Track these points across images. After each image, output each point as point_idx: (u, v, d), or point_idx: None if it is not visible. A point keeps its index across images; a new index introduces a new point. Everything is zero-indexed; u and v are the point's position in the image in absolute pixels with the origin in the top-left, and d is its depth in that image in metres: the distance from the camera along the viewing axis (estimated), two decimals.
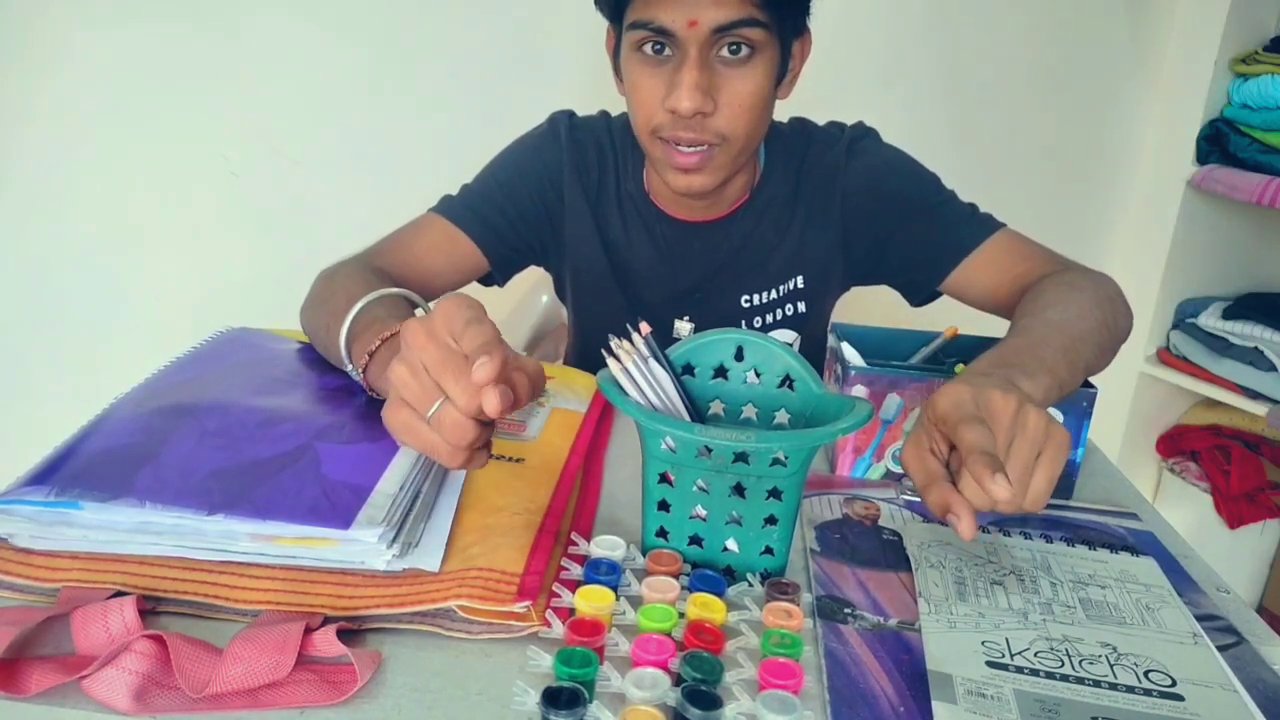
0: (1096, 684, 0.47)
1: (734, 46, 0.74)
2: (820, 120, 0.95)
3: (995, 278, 0.84)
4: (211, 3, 1.42)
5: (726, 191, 0.89)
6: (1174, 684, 0.48)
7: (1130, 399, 1.79)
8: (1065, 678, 0.48)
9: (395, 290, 0.69)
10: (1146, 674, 0.49)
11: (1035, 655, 0.49)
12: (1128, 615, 0.54)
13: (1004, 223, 0.87)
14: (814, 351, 0.83)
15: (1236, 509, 1.72)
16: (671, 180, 0.82)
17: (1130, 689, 0.47)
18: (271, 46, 1.45)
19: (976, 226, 0.86)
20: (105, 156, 1.47)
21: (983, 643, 0.50)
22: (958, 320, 0.82)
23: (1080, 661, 0.49)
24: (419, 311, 0.72)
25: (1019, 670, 0.48)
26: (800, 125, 0.94)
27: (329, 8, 1.45)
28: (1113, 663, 0.49)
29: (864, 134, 0.93)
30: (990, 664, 0.48)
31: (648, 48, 0.76)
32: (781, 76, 0.81)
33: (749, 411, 0.61)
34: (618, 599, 0.50)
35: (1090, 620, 0.53)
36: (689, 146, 0.78)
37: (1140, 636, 0.52)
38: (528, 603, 0.48)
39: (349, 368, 0.64)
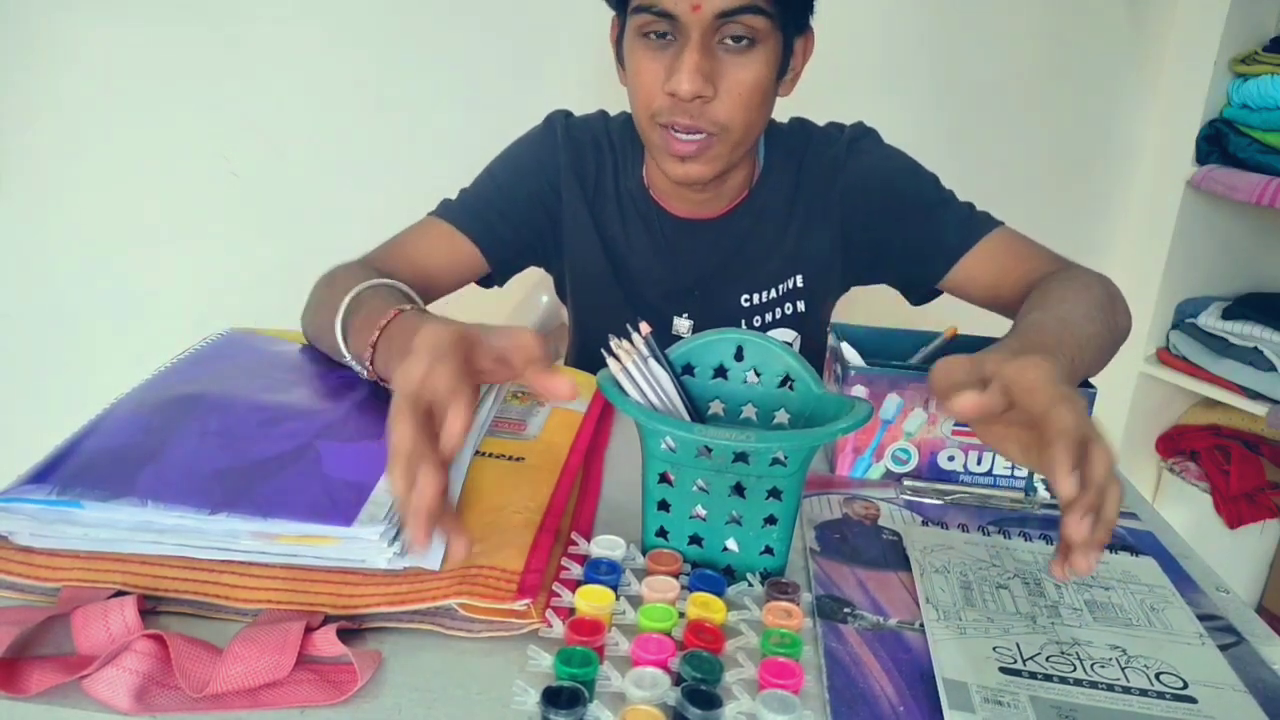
0: (1110, 688, 0.47)
1: (736, 35, 0.75)
2: (820, 120, 0.95)
3: (995, 275, 0.84)
4: (212, 3, 1.42)
5: (725, 187, 0.89)
6: (1185, 686, 0.48)
7: (1130, 399, 1.79)
8: (1079, 682, 0.48)
9: (389, 282, 0.70)
10: (1158, 676, 0.49)
11: (1047, 660, 0.49)
12: (1134, 616, 0.54)
13: (1002, 221, 0.87)
14: (813, 352, 0.83)
15: (1236, 509, 1.72)
16: (669, 168, 0.82)
17: (1144, 692, 0.47)
18: (272, 47, 1.45)
19: (975, 225, 0.86)
20: (106, 156, 1.47)
21: (994, 649, 0.50)
22: (958, 320, 0.82)
23: (1092, 665, 0.49)
24: (409, 305, 0.72)
25: (1032, 676, 0.48)
26: (800, 125, 0.94)
27: (329, 8, 1.45)
28: (1123, 665, 0.49)
29: (864, 133, 0.93)
30: (1004, 670, 0.48)
31: (651, 33, 0.76)
32: (783, 73, 0.81)
33: (749, 411, 0.61)
34: (618, 598, 0.50)
35: (1097, 622, 0.53)
36: (686, 134, 0.78)
37: (1148, 638, 0.52)
38: (528, 600, 0.48)
39: (348, 359, 0.65)
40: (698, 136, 0.78)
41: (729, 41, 0.75)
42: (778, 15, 0.75)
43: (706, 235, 0.92)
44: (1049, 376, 0.48)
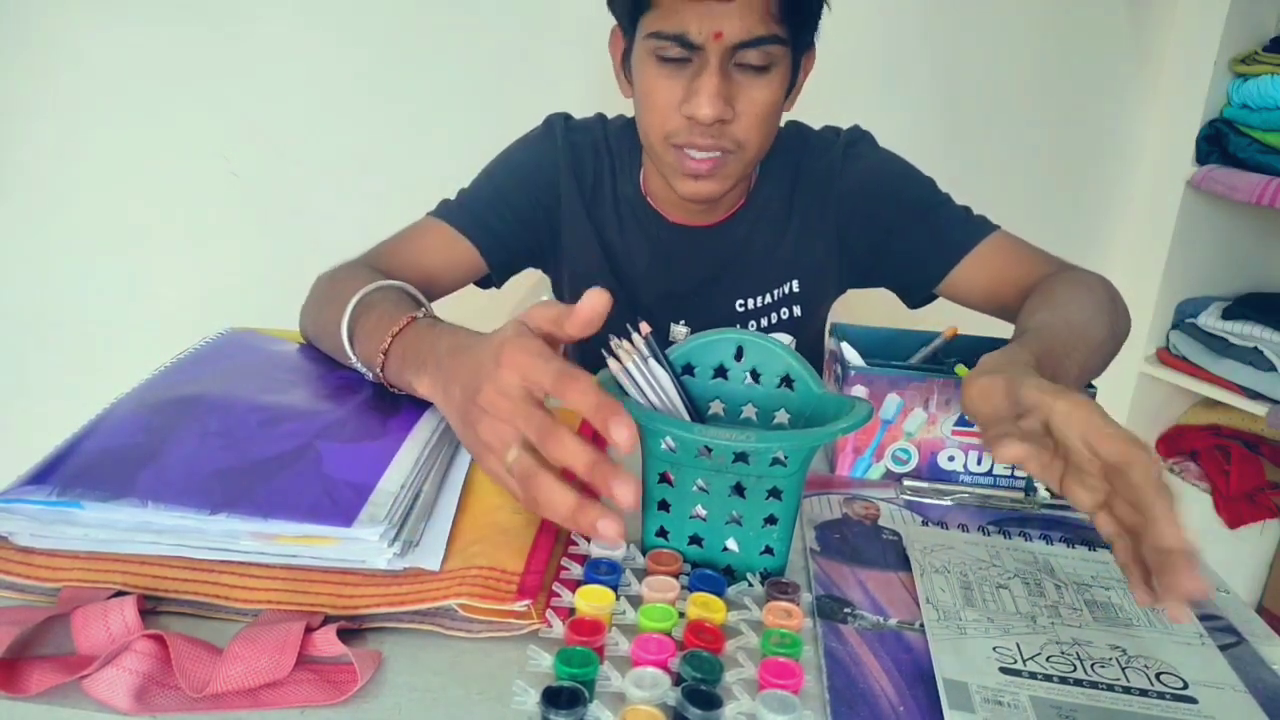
0: (1110, 688, 0.47)
1: (754, 59, 0.75)
2: (817, 123, 0.95)
3: (991, 279, 0.84)
4: (212, 3, 1.42)
5: (724, 196, 0.89)
6: (1186, 686, 0.48)
7: (1130, 399, 1.79)
8: (1079, 682, 0.48)
9: (396, 284, 0.70)
10: (1158, 676, 0.49)
11: (1047, 660, 0.49)
12: (1134, 617, 0.54)
13: (999, 225, 0.87)
14: (809, 355, 0.83)
15: (1236, 509, 1.72)
16: (680, 186, 0.82)
17: (1144, 692, 0.47)
18: (272, 47, 1.45)
19: (972, 229, 0.86)
20: (106, 156, 1.47)
21: (994, 649, 0.50)
22: (957, 320, 0.82)
23: (1092, 665, 0.49)
24: (420, 311, 0.72)
25: (1032, 676, 0.48)
26: (795, 129, 0.94)
27: (329, 8, 1.45)
28: (1124, 665, 0.49)
29: (859, 137, 0.93)
30: (1004, 670, 0.48)
31: (666, 54, 0.76)
32: (790, 89, 0.82)
33: (749, 411, 0.61)
34: (618, 599, 0.50)
35: (1098, 623, 0.53)
36: (703, 153, 0.78)
37: (1148, 638, 0.52)
38: (528, 601, 0.48)
39: (354, 361, 0.64)
40: (714, 154, 0.78)
41: (745, 63, 0.75)
42: (791, 39, 0.76)
43: (703, 242, 0.92)
44: (1102, 418, 0.48)
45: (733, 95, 0.76)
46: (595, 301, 0.47)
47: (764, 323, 0.94)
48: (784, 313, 0.94)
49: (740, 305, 0.94)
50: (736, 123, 0.77)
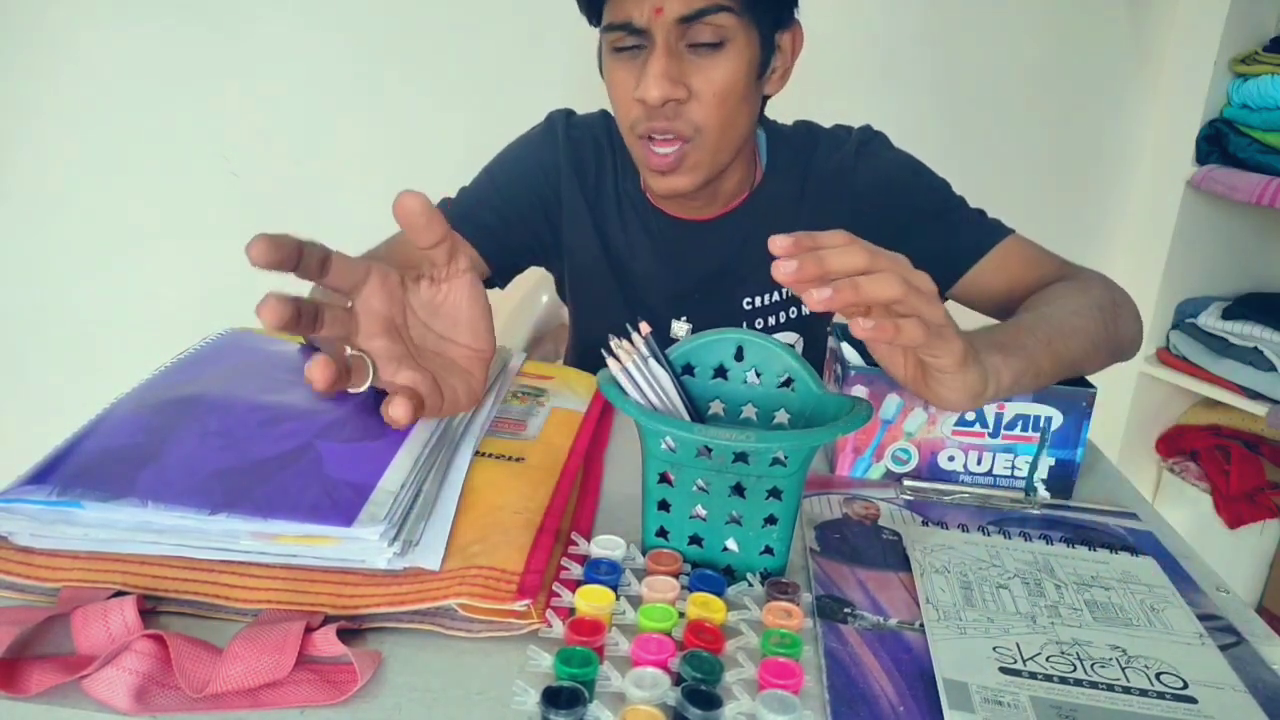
0: (1110, 688, 0.47)
1: (705, 36, 0.74)
2: (822, 121, 0.95)
3: (1005, 284, 0.84)
4: (212, 3, 1.42)
5: (721, 189, 0.88)
6: (1185, 686, 0.48)
7: (1130, 399, 1.79)
8: (1079, 682, 0.48)
9: None
10: (1158, 676, 0.49)
11: (1047, 660, 0.49)
12: (1134, 617, 0.54)
13: (1013, 229, 0.87)
14: (817, 355, 0.83)
15: (1236, 509, 1.72)
16: (652, 183, 0.82)
17: (1144, 692, 0.47)
18: (272, 46, 1.46)
19: (986, 232, 0.86)
20: (106, 156, 1.47)
21: (994, 649, 0.50)
22: (960, 320, 0.82)
23: (1092, 665, 0.49)
24: None
25: (1032, 676, 0.48)
26: (806, 127, 0.94)
27: (329, 8, 1.45)
28: (1124, 665, 0.49)
29: (873, 137, 0.92)
30: (1004, 670, 0.48)
31: (622, 45, 0.77)
32: (764, 69, 0.81)
33: (749, 411, 0.61)
34: (618, 599, 0.50)
35: (1097, 622, 0.53)
36: (663, 138, 0.77)
37: (1148, 638, 0.52)
38: (528, 601, 0.48)
39: None
40: (674, 147, 0.77)
41: (698, 42, 0.75)
42: (748, 12, 0.75)
43: (705, 237, 0.92)
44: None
45: (685, 75, 0.75)
46: (401, 206, 0.52)
47: (771, 321, 0.94)
48: (791, 311, 0.94)
49: (747, 303, 0.93)
50: (693, 104, 0.76)
